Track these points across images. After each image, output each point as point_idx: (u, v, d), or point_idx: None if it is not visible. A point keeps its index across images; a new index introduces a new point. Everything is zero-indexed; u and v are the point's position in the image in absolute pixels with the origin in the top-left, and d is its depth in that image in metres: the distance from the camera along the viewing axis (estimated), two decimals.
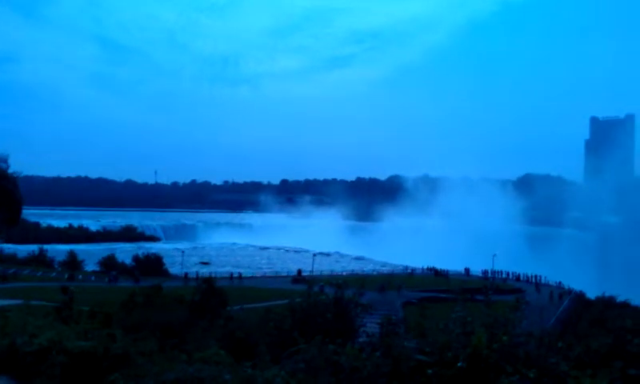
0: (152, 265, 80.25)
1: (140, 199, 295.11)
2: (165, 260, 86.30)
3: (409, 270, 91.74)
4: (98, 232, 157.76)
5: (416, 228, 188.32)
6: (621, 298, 63.73)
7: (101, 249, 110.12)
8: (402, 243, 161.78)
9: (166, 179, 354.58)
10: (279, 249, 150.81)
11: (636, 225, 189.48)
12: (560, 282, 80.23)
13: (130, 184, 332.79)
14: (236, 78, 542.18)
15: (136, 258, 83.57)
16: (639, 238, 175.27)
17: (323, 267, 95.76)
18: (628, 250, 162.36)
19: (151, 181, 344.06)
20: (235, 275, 76.88)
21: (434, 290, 62.42)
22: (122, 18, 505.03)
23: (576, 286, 77.69)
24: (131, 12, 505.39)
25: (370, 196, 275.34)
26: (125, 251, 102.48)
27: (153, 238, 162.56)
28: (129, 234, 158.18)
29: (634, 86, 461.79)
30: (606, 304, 60.91)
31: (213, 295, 30.96)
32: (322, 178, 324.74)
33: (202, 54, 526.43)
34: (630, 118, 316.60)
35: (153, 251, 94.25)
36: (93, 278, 70.54)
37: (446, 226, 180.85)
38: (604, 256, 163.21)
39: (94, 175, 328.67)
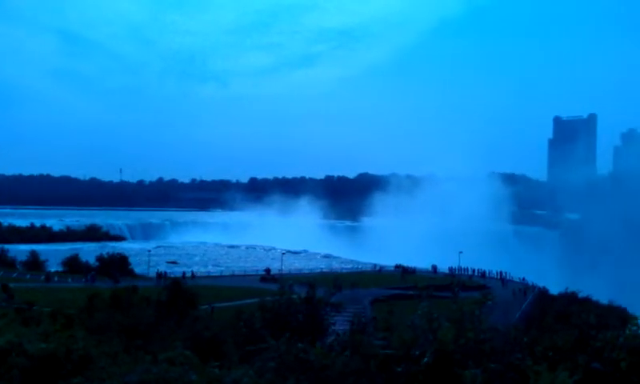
0: (117, 265, 78.60)
1: (105, 198, 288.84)
2: (130, 260, 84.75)
3: (377, 268, 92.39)
4: (61, 231, 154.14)
5: (384, 226, 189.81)
6: (583, 294, 65.64)
7: (64, 249, 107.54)
8: (370, 241, 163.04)
9: (131, 177, 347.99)
10: (247, 247, 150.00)
11: (597, 222, 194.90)
12: (524, 278, 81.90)
13: (94, 182, 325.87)
14: (203, 75, 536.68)
15: (100, 258, 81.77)
16: (600, 235, 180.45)
17: (292, 265, 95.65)
18: (590, 247, 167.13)
19: (116, 179, 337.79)
20: (188, 274, 75.27)
21: (401, 287, 63.00)
22: (86, 11, 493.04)
23: (539, 282, 79.54)
24: (95, 6, 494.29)
25: (339, 194, 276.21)
26: (89, 251, 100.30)
27: (118, 238, 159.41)
28: (93, 234, 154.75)
29: (596, 87, 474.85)
30: (569, 299, 62.60)
31: (180, 295, 30.58)
32: (290, 176, 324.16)
33: (169, 50, 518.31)
34: (592, 117, 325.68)
35: (118, 251, 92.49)
36: (60, 278, 68.83)
37: (414, 224, 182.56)
38: (567, 253, 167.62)
39: (56, 173, 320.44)
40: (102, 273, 71.25)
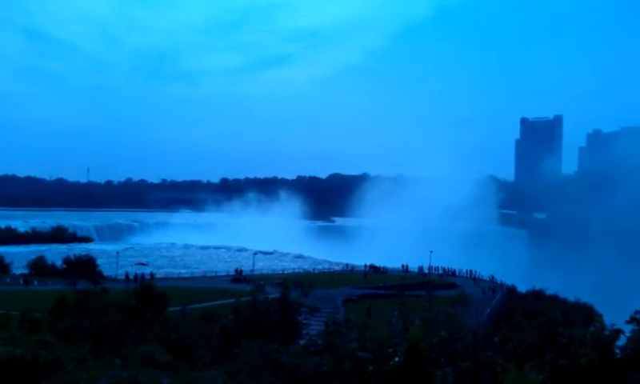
0: (84, 267, 76.92)
1: (71, 199, 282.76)
2: (98, 261, 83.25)
3: (349, 268, 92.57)
4: (26, 233, 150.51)
5: (356, 226, 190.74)
6: (550, 292, 67.29)
7: (29, 251, 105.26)
8: (342, 241, 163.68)
9: (99, 177, 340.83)
10: (219, 248, 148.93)
11: (564, 221, 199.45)
12: (493, 277, 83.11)
13: (60, 183, 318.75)
14: (173, 74, 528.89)
15: (67, 260, 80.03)
16: (566, 233, 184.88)
17: (264, 266, 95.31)
18: (557, 246, 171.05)
19: (83, 179, 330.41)
20: (147, 276, 73.31)
21: (372, 287, 63.46)
22: (53, 9, 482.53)
23: (508, 280, 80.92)
24: (62, 3, 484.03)
25: (311, 194, 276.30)
26: (55, 253, 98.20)
27: (85, 239, 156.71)
28: (59, 235, 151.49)
29: (562, 89, 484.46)
30: (536, 297, 64.04)
31: (150, 298, 30.15)
32: (262, 177, 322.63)
33: (138, 49, 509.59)
34: (558, 119, 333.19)
35: (85, 253, 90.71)
36: (34, 282, 67.05)
37: (385, 224, 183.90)
38: (535, 251, 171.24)
39: (21, 173, 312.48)
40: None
